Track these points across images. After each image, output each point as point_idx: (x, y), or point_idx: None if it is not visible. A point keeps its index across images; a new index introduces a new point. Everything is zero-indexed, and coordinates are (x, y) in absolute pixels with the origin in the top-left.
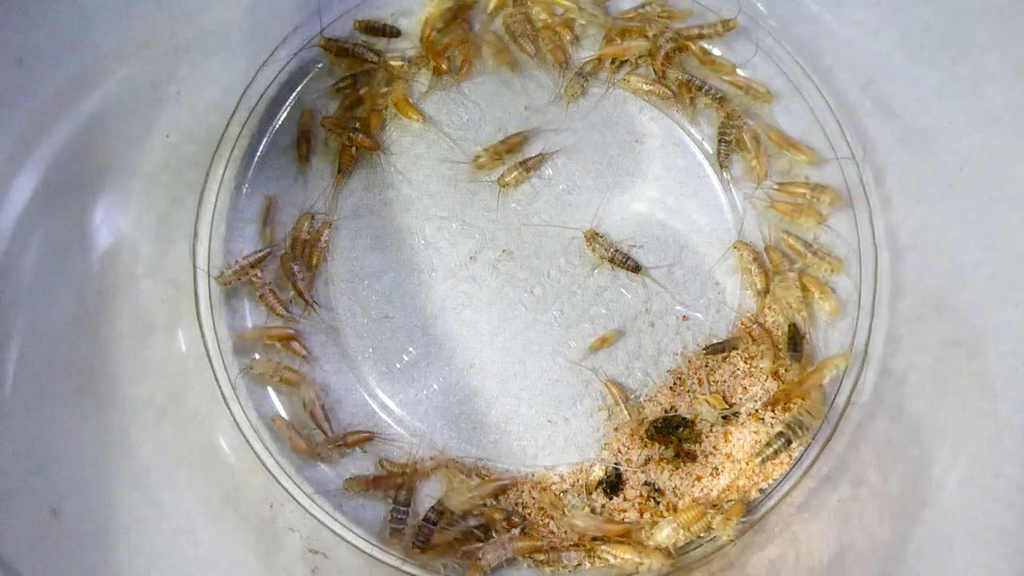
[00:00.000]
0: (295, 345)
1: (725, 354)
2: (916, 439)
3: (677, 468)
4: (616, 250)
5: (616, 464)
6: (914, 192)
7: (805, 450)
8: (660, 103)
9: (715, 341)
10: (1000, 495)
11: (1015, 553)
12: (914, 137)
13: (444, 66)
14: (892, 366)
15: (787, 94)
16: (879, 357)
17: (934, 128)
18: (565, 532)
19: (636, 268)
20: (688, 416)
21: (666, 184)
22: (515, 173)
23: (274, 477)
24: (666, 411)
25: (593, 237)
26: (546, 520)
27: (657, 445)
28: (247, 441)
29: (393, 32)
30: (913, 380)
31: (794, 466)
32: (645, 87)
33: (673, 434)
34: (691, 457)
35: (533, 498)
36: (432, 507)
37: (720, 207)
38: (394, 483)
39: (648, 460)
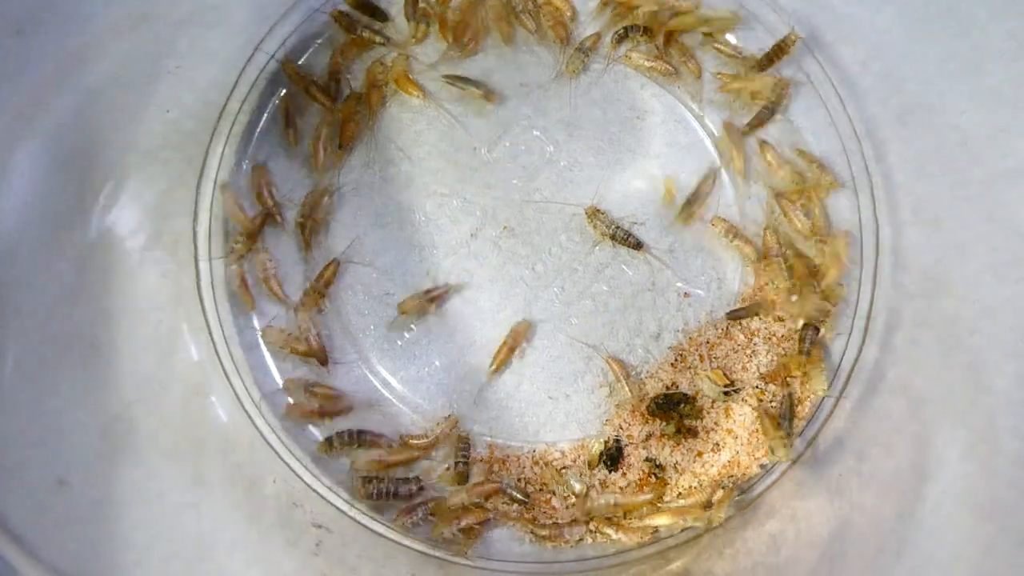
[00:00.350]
0: (273, 284)
1: (748, 319)
2: (917, 414)
3: (678, 444)
4: (617, 227)
5: (617, 437)
6: (915, 167)
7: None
8: (662, 79)
9: (739, 306)
10: (1000, 470)
11: (1015, 527)
12: (915, 112)
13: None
14: (893, 341)
15: (789, 70)
16: (880, 332)
17: (935, 103)
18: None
19: (637, 245)
20: (689, 392)
21: (667, 161)
22: (417, 302)
23: (276, 453)
24: (667, 387)
25: (594, 214)
26: (547, 496)
27: (658, 421)
28: (249, 416)
29: (382, 16)
30: (914, 355)
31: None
32: (647, 63)
33: (674, 410)
34: (692, 433)
35: (535, 474)
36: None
37: (721, 184)
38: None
39: (649, 436)
